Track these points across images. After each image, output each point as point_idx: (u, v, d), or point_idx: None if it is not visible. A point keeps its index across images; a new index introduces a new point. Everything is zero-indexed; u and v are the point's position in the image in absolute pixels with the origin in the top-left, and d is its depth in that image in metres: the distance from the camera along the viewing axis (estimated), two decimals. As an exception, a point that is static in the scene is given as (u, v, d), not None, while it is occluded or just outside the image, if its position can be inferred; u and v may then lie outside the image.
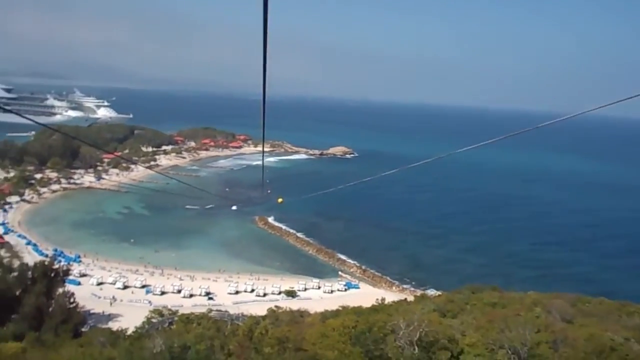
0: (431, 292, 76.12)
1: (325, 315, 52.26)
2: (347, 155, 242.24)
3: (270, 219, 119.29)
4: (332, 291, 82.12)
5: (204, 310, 64.94)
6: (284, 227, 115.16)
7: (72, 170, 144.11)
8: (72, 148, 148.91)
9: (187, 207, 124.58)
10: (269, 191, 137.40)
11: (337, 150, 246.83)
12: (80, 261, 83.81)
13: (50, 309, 51.81)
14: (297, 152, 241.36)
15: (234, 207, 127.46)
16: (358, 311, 52.15)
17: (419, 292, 78.39)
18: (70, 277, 65.47)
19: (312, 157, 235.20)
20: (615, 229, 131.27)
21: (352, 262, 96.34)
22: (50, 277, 55.98)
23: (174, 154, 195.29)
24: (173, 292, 75.51)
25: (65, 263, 67.96)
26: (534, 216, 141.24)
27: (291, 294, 79.04)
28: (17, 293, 51.97)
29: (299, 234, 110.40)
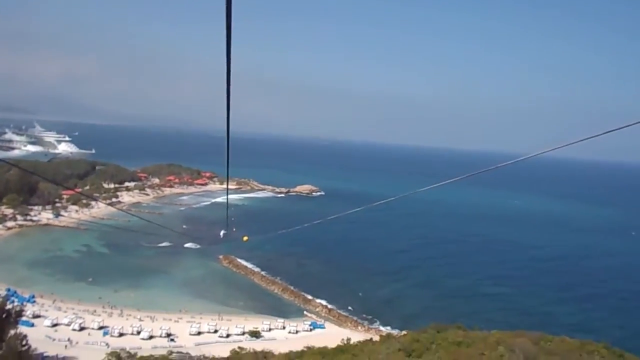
0: (396, 331, 75.99)
1: (290, 356, 51.68)
2: (314, 194, 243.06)
3: (235, 258, 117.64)
4: (297, 331, 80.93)
5: (164, 352, 63.14)
6: (249, 265, 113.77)
7: (29, 207, 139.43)
8: (29, 184, 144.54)
9: (149, 245, 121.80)
10: (234, 229, 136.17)
11: (304, 188, 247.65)
12: (34, 302, 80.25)
13: (1, 352, 49.23)
14: (263, 190, 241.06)
15: (187, 245, 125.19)
16: (323, 352, 51.81)
17: (384, 332, 78.28)
18: (24, 319, 62.54)
19: (278, 195, 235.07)
20: (571, 265, 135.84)
21: (317, 301, 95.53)
22: (1, 318, 53.38)
23: (137, 191, 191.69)
24: (132, 334, 72.87)
25: (19, 304, 64.97)
26: (493, 252, 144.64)
27: (255, 334, 77.51)
28: (-35, 336, 49.30)
29: (263, 273, 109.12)
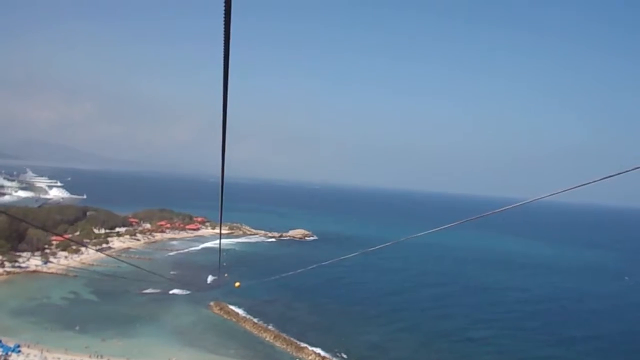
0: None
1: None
2: (307, 238, 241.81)
3: (226, 304, 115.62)
4: (289, 381, 78.75)
5: (152, 404, 61.14)
6: (240, 312, 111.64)
7: (18, 254, 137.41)
8: (18, 230, 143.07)
9: (138, 292, 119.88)
10: (226, 275, 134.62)
11: (297, 233, 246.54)
12: (19, 351, 77.85)
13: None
14: (255, 235, 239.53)
15: (177, 291, 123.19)
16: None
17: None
18: (7, 370, 60.76)
19: (271, 239, 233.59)
20: (579, 317, 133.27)
21: (310, 349, 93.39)
22: (-16, 369, 51.85)
23: (127, 236, 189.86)
24: (119, 385, 70.70)
25: (3, 354, 63.29)
26: (496, 302, 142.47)
27: (246, 384, 75.28)
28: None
29: (256, 320, 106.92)
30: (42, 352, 79.21)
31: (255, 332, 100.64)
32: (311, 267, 46.47)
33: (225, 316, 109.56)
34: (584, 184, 10.30)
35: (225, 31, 5.34)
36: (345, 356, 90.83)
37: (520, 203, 13.10)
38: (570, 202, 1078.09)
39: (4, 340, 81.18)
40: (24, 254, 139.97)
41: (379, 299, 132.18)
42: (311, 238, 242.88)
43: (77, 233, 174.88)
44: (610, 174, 9.57)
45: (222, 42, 5.45)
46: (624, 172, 9.38)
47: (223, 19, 5.18)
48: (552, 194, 11.70)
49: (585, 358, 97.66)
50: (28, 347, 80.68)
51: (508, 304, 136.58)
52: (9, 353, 71.05)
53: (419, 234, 19.05)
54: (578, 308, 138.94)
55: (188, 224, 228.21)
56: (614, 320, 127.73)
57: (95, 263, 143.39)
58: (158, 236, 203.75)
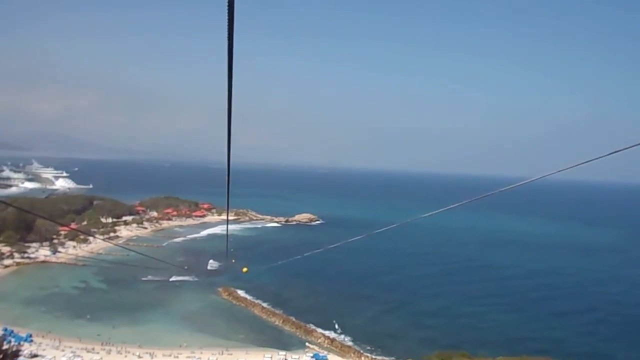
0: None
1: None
2: (313, 222, 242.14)
3: (235, 290, 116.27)
4: (299, 363, 79.45)
5: (164, 389, 61.80)
6: (249, 297, 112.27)
7: (27, 244, 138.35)
8: (26, 221, 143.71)
9: (147, 279, 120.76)
10: (233, 260, 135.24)
11: (303, 217, 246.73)
12: (31, 340, 78.79)
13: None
14: (262, 220, 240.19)
15: (186, 278, 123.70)
16: (326, 383, 50.80)
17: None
18: (20, 358, 61.27)
19: (277, 224, 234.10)
20: (575, 290, 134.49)
21: (319, 331, 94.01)
22: (-3, 359, 52.29)
23: (135, 225, 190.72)
24: (131, 371, 71.49)
25: (16, 343, 63.79)
26: (494, 279, 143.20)
27: (257, 368, 75.99)
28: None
29: (264, 304, 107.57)
30: (56, 341, 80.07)
31: (264, 317, 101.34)
32: (317, 250, 46.46)
33: (234, 301, 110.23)
34: (588, 161, 10.01)
35: (229, 20, 5.14)
36: (353, 338, 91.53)
37: (524, 182, 12.84)
38: (574, 179, 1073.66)
39: (16, 330, 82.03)
40: (33, 244, 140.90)
41: (387, 282, 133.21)
42: (317, 222, 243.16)
43: (85, 223, 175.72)
44: (616, 149, 9.26)
45: (227, 28, 5.23)
46: (629, 148, 9.08)
47: (227, 8, 4.93)
48: (555, 172, 11.42)
49: (575, 329, 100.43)
50: (42, 337, 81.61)
51: (503, 281, 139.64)
52: (22, 342, 71.69)
53: (422, 216, 19.15)
54: (573, 283, 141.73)
55: (194, 211, 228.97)
56: (607, 294, 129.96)
57: (103, 252, 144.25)
58: (165, 224, 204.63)
